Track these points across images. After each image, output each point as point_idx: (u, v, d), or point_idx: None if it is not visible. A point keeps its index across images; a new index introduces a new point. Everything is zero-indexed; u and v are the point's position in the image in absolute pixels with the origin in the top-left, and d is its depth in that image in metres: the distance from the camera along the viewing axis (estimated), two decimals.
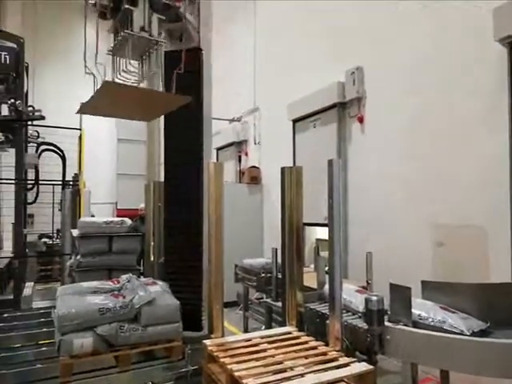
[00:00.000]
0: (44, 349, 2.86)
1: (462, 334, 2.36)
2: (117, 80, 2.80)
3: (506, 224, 3.55)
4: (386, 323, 2.58)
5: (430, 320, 2.52)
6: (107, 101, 2.68)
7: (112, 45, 2.85)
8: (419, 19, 4.60)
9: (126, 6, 2.65)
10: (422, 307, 2.63)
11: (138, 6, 2.68)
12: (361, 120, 5.45)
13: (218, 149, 9.35)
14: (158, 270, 4.09)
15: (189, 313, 3.03)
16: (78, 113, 2.58)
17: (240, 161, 8.85)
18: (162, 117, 3.63)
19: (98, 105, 2.70)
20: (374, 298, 2.58)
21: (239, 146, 8.96)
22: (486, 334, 2.41)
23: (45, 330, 3.16)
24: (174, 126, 3.51)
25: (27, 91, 7.94)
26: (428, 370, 3.82)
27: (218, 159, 9.21)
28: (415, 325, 2.53)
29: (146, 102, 2.82)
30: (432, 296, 2.77)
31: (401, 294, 2.56)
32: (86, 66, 2.81)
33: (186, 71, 3.09)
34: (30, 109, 7.21)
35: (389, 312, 2.65)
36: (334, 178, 2.57)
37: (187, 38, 3.40)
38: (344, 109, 5.74)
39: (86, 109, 2.66)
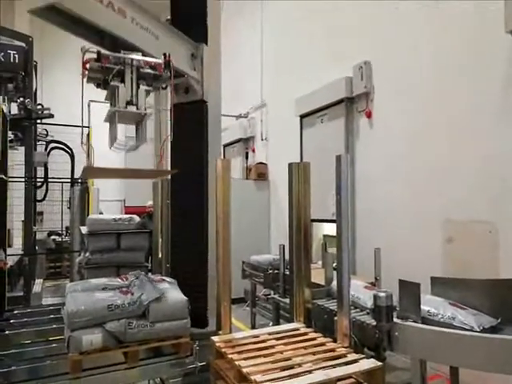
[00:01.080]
0: (54, 345, 2.89)
1: (471, 330, 2.33)
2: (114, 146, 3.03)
3: None
4: (395, 319, 2.56)
5: (440, 316, 2.50)
6: (101, 173, 2.77)
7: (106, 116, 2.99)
8: (429, 13, 4.53)
9: (112, 84, 2.76)
10: (431, 303, 2.60)
11: (125, 82, 2.79)
12: (369, 115, 5.40)
13: (225, 145, 9.35)
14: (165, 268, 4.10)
15: (193, 309, 3.04)
16: (81, 177, 2.68)
17: (247, 157, 8.85)
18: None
19: (96, 173, 2.80)
20: (383, 294, 2.56)
21: (246, 142, 8.96)
22: (496, 330, 2.39)
23: (54, 326, 3.19)
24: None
25: (36, 90, 8.01)
26: (437, 367, 3.80)
27: (224, 155, 9.21)
28: (424, 321, 2.51)
29: (135, 174, 2.90)
30: (441, 292, 2.74)
31: (410, 290, 2.54)
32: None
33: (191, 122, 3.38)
34: (39, 107, 7.29)
35: (397, 308, 2.63)
36: (342, 173, 2.55)
37: (192, 91, 3.55)
38: (352, 104, 5.69)
39: (87, 175, 2.74)
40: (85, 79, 2.75)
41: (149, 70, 2.89)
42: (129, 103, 2.81)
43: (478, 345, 2.24)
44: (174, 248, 3.74)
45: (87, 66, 2.67)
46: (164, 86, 3.07)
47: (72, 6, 2.54)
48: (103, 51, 2.78)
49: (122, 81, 2.78)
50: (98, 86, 2.86)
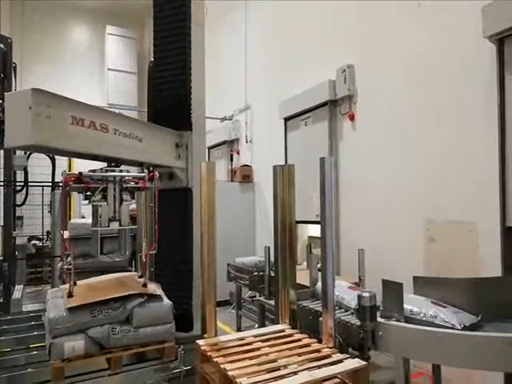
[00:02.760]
0: (35, 353, 2.83)
1: (453, 328, 2.38)
2: None
3: (496, 219, 3.59)
4: (379, 319, 2.59)
5: (422, 315, 2.54)
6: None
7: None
8: (412, 18, 4.62)
9: (94, 203, 2.75)
10: (413, 302, 2.65)
11: (107, 200, 2.76)
12: (352, 118, 5.47)
13: (210, 148, 9.32)
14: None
15: (179, 313, 3.02)
16: (68, 306, 2.58)
17: (232, 159, 8.84)
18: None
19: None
20: (367, 295, 2.59)
21: (231, 144, 8.95)
22: (476, 327, 2.44)
23: (35, 333, 3.12)
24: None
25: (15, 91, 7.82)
26: (420, 365, 3.86)
27: (209, 158, 9.19)
28: (407, 320, 2.55)
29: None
30: (424, 291, 2.79)
31: (393, 290, 2.58)
32: None
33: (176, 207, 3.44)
34: None
35: (381, 308, 2.67)
36: (326, 175, 2.57)
37: (176, 178, 3.55)
38: (335, 106, 5.76)
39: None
40: None
41: (132, 184, 2.88)
42: (111, 220, 2.78)
43: (460, 342, 2.29)
44: (157, 252, 3.70)
45: (68, 186, 2.65)
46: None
47: (51, 143, 2.34)
48: (84, 172, 2.74)
49: (104, 197, 2.74)
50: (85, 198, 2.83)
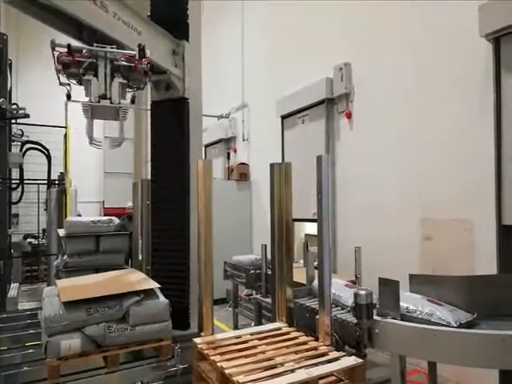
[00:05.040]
0: (31, 351, 2.82)
1: (449, 325, 2.39)
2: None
3: (492, 218, 3.60)
4: (375, 317, 2.60)
5: (418, 313, 2.55)
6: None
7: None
8: (408, 15, 4.62)
9: (85, 78, 2.67)
10: (409, 300, 2.65)
11: (98, 75, 2.68)
12: (349, 116, 5.47)
13: (207, 145, 9.30)
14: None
15: (176, 311, 3.02)
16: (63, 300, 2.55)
17: (229, 157, 8.82)
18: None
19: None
20: (363, 292, 2.59)
21: (228, 142, 8.93)
22: (472, 325, 2.45)
23: (31, 331, 3.11)
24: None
25: (11, 89, 7.79)
26: (416, 362, 3.88)
27: (206, 156, 9.17)
28: (403, 318, 2.56)
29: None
30: (420, 289, 2.80)
31: (389, 288, 2.58)
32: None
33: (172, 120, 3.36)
34: (14, 107, 7.09)
35: (377, 306, 2.68)
36: (323, 173, 2.57)
37: (173, 87, 3.53)
38: (332, 105, 5.75)
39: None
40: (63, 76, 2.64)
41: (124, 63, 2.76)
42: (102, 97, 2.69)
43: (455, 340, 2.30)
44: (155, 249, 3.70)
45: (58, 60, 2.58)
46: (144, 83, 2.95)
47: None
48: (74, 44, 2.69)
49: (96, 75, 2.68)
50: (78, 82, 2.74)
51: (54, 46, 2.61)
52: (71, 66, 2.63)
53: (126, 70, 2.79)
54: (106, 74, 2.69)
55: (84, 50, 2.69)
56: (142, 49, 2.76)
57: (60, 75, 2.67)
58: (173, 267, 3.46)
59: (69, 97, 2.78)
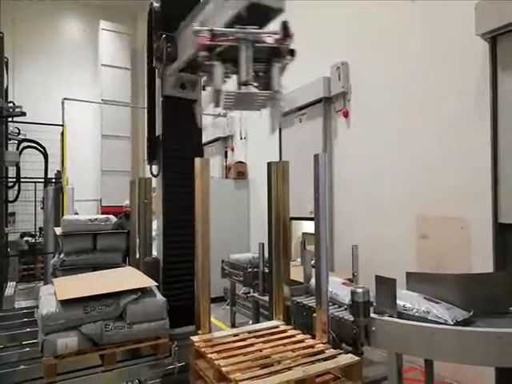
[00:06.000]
0: (27, 349, 2.80)
1: (445, 323, 2.40)
2: None
3: (488, 215, 3.62)
4: (372, 315, 2.60)
5: (415, 311, 2.56)
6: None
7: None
8: (406, 15, 4.63)
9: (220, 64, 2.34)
10: (406, 298, 2.66)
11: (240, 61, 2.35)
12: (346, 115, 5.47)
13: (204, 144, 9.25)
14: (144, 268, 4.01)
15: (185, 308, 3.02)
16: (60, 299, 2.52)
17: (226, 156, 8.82)
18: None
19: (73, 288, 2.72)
20: (360, 290, 2.60)
21: (225, 141, 8.93)
22: (469, 323, 2.46)
23: (28, 330, 3.10)
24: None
25: (7, 87, 7.75)
26: (413, 360, 3.90)
27: (203, 154, 9.14)
28: (400, 316, 2.56)
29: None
30: (416, 287, 2.81)
31: (386, 286, 2.59)
32: None
33: None
34: (11, 105, 7.05)
35: (374, 304, 2.68)
36: (320, 172, 2.57)
37: (189, 87, 3.45)
38: (329, 103, 5.76)
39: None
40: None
41: (267, 44, 2.40)
42: (244, 84, 2.38)
43: (452, 337, 2.31)
44: (165, 246, 3.61)
45: (202, 44, 2.26)
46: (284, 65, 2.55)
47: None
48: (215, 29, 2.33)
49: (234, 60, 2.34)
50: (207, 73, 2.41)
51: (196, 31, 2.32)
52: (213, 51, 2.32)
53: (267, 53, 2.43)
54: (247, 58, 2.34)
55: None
56: (286, 26, 2.41)
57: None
58: (182, 266, 3.42)
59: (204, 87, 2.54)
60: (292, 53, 2.51)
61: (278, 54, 2.46)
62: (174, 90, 3.50)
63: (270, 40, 2.41)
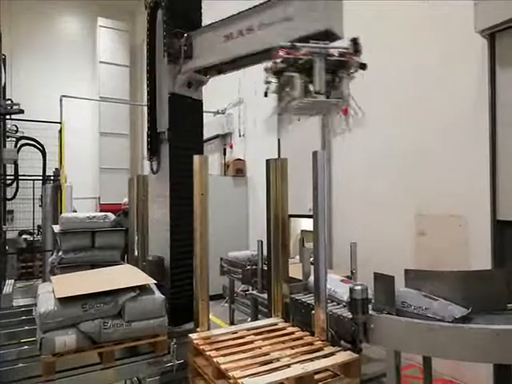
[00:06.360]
0: (26, 347, 2.80)
1: (444, 320, 2.40)
2: None
3: (486, 213, 3.62)
4: (370, 312, 2.60)
5: (413, 308, 2.56)
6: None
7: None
8: (404, 14, 4.61)
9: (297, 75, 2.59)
10: (405, 295, 2.66)
11: (315, 72, 2.61)
12: (345, 112, 5.45)
13: (203, 141, 9.26)
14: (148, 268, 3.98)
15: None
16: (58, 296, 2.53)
17: (225, 153, 8.80)
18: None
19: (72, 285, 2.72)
20: (358, 288, 2.60)
21: (224, 138, 8.91)
22: (467, 319, 2.46)
23: (26, 328, 3.09)
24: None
25: (5, 84, 7.72)
26: (411, 357, 3.91)
27: (203, 152, 9.12)
28: (399, 313, 2.56)
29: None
30: (415, 284, 2.81)
31: (384, 283, 2.59)
32: None
33: None
34: (9, 102, 7.03)
35: (373, 301, 2.68)
36: (319, 169, 2.57)
37: (195, 86, 3.62)
38: None
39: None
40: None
41: (336, 58, 2.67)
42: (317, 92, 2.63)
43: (450, 334, 2.31)
44: (172, 244, 3.60)
45: (280, 57, 2.56)
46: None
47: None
48: (297, 44, 2.61)
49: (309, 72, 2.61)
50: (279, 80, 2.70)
51: (277, 48, 2.60)
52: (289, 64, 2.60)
53: (336, 65, 2.70)
54: (320, 69, 2.61)
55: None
56: (356, 43, 2.71)
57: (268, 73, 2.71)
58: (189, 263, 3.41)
59: (266, 94, 2.88)
60: (364, 66, 2.81)
61: (346, 66, 2.74)
62: (182, 87, 3.52)
63: (337, 53, 2.71)
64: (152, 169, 3.79)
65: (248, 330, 2.76)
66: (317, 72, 2.58)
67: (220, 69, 3.53)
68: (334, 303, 3.03)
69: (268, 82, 2.78)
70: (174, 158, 3.61)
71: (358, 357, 2.33)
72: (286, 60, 2.56)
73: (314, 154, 2.60)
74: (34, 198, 9.26)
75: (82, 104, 11.43)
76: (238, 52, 3.15)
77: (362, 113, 2.93)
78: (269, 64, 2.69)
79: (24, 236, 9.89)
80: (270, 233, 3.08)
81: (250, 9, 3.05)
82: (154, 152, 3.72)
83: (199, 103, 3.68)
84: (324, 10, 2.75)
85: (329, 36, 2.79)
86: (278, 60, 2.58)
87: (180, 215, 3.51)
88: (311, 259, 3.16)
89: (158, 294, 2.84)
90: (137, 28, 13.57)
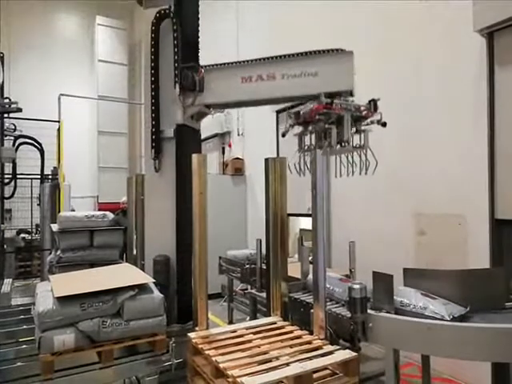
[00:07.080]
0: (24, 346, 2.79)
1: (442, 319, 2.41)
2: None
3: (485, 212, 3.62)
4: (369, 311, 2.61)
5: (412, 306, 2.56)
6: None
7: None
8: (402, 13, 4.61)
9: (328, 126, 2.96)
10: (404, 294, 2.67)
11: (344, 125, 2.98)
12: None
13: (202, 140, 9.24)
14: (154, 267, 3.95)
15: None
16: (56, 295, 2.54)
17: (224, 152, 8.80)
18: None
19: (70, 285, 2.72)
20: (357, 286, 2.60)
21: (223, 137, 8.90)
22: (465, 318, 2.47)
23: (25, 327, 3.08)
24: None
25: (3, 83, 7.70)
26: (409, 355, 3.92)
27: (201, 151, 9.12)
28: (397, 312, 2.57)
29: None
30: (413, 283, 2.81)
31: (383, 282, 2.59)
32: None
33: None
34: (6, 101, 7.01)
35: (371, 300, 2.69)
36: (318, 168, 2.57)
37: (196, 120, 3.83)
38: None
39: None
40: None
41: (359, 113, 3.11)
42: (339, 142, 3.01)
43: (449, 333, 2.32)
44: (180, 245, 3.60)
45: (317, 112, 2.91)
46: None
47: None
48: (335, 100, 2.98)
49: (338, 124, 2.99)
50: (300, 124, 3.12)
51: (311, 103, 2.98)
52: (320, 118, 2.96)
53: (356, 119, 3.14)
54: (347, 122, 3.00)
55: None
56: (375, 103, 3.17)
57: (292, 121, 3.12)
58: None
59: (284, 135, 3.31)
60: (384, 125, 3.25)
61: (364, 119, 3.20)
62: (187, 119, 3.63)
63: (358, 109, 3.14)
64: (156, 167, 3.79)
65: (247, 328, 2.76)
66: (346, 124, 2.98)
67: (229, 106, 3.79)
68: (333, 302, 3.03)
69: (292, 126, 3.18)
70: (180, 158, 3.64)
71: (357, 355, 2.33)
72: (322, 113, 2.92)
73: (313, 152, 2.60)
74: (32, 197, 9.25)
75: (80, 103, 11.40)
76: (257, 95, 3.32)
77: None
78: (297, 112, 3.06)
79: (22, 235, 9.87)
80: (269, 232, 3.08)
81: (272, 57, 3.24)
82: (158, 151, 3.73)
83: (198, 133, 3.89)
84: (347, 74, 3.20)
85: (350, 94, 3.24)
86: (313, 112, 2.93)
87: (186, 214, 3.51)
88: (310, 258, 3.16)
89: (156, 293, 2.83)
90: (135, 27, 13.52)
